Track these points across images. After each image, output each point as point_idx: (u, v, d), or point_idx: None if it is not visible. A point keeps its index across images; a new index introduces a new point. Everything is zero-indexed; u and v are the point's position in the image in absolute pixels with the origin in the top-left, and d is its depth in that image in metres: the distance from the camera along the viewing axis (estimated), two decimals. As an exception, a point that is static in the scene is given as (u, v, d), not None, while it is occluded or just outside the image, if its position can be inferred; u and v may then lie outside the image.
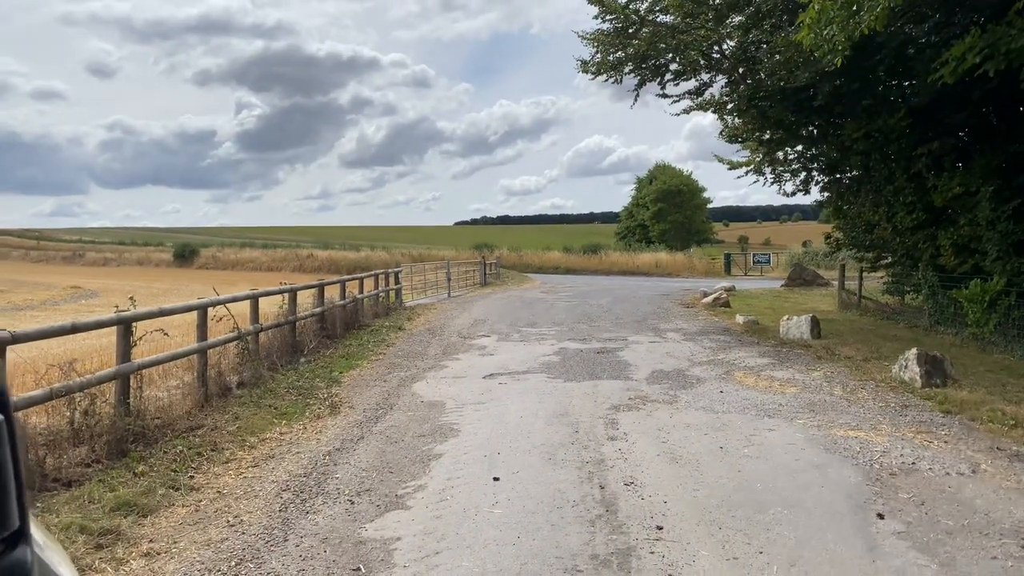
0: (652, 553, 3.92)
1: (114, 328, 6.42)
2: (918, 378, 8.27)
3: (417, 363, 10.66)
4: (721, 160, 18.62)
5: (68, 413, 5.66)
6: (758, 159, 17.38)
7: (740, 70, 14.53)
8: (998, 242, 11.55)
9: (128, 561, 3.98)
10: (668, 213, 60.61)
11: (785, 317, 13.30)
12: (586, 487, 5.02)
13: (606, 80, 15.31)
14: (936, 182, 12.88)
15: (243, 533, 4.37)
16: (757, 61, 14.01)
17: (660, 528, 4.26)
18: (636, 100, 16.20)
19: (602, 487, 5.01)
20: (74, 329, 5.93)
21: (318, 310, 12.50)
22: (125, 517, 4.52)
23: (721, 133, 17.28)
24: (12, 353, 5.29)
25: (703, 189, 65.06)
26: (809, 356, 10.68)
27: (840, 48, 9.17)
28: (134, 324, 6.54)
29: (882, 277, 17.37)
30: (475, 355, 11.34)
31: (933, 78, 10.02)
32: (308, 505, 4.83)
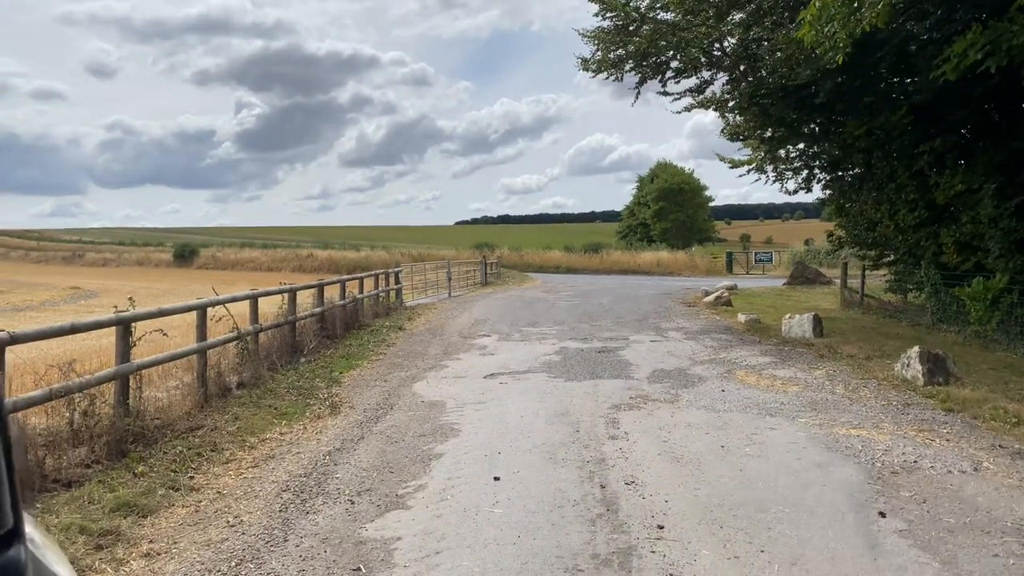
0: (653, 552, 3.91)
1: (113, 328, 6.41)
2: (920, 376, 8.25)
3: (417, 363, 10.65)
4: (723, 159, 18.59)
5: (67, 414, 5.65)
6: (760, 157, 17.34)
7: (741, 67, 14.49)
8: (1000, 240, 11.52)
9: (128, 562, 3.97)
10: (669, 212, 60.59)
11: (787, 316, 13.27)
12: (587, 486, 5.00)
13: (607, 78, 15.29)
14: (938, 179, 12.85)
15: (243, 533, 4.36)
16: (758, 58, 13.98)
17: (661, 527, 4.24)
18: (637, 98, 16.20)
19: (603, 486, 4.99)
20: (73, 330, 5.92)
21: (318, 310, 12.48)
22: (125, 518, 4.51)
23: (723, 131, 17.25)
24: (11, 354, 5.28)
25: (705, 187, 65.10)
26: (811, 355, 10.66)
27: (841, 45, 9.13)
28: (133, 324, 6.52)
29: (884, 275, 17.34)
30: (476, 355, 11.33)
31: (935, 75, 9.99)
32: (308, 505, 4.82)
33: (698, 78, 15.48)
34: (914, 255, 14.60)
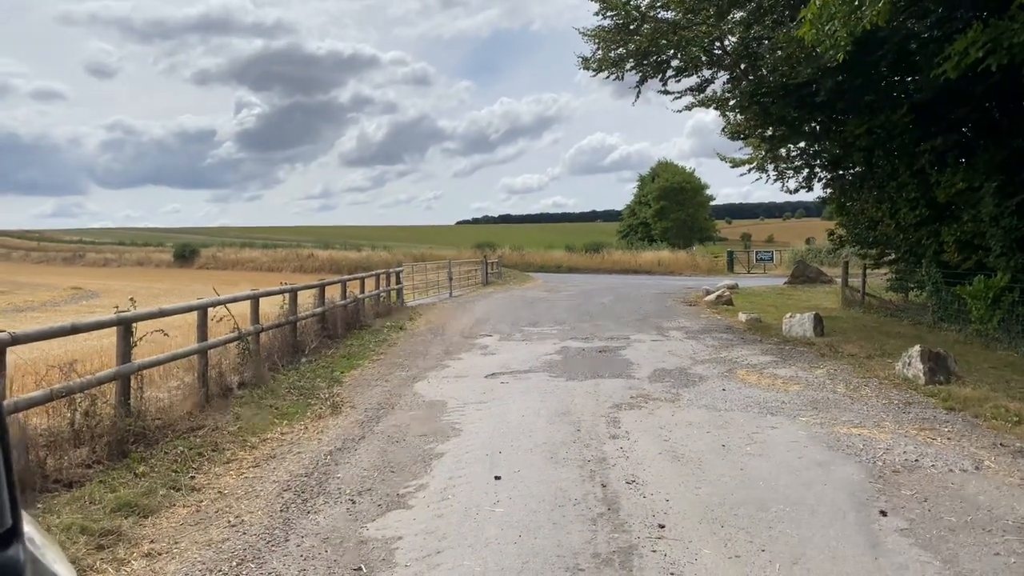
0: (654, 551, 3.91)
1: (114, 329, 6.41)
2: (921, 375, 8.25)
3: (419, 363, 10.65)
4: (723, 158, 18.57)
5: (69, 414, 5.65)
6: (760, 156, 17.33)
7: (742, 66, 14.48)
8: (1002, 238, 11.51)
9: (129, 561, 3.97)
10: (670, 211, 60.50)
11: (788, 315, 13.27)
12: (588, 486, 5.00)
13: (607, 77, 15.30)
14: (939, 178, 12.84)
15: (244, 533, 4.36)
16: (759, 57, 13.97)
17: (662, 526, 4.24)
18: (638, 97, 16.23)
19: (604, 485, 4.99)
20: (74, 330, 5.93)
21: (319, 310, 12.49)
22: (126, 518, 4.51)
23: (723, 130, 17.22)
24: (12, 354, 5.29)
25: (706, 186, 64.97)
26: (812, 354, 10.65)
27: (842, 43, 9.12)
28: (134, 325, 6.53)
29: (885, 274, 17.34)
30: (477, 354, 11.33)
31: (936, 73, 9.98)
32: (309, 505, 4.82)
33: (699, 77, 15.48)
34: (915, 254, 14.59)
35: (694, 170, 66.13)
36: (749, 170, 17.91)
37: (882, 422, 6.67)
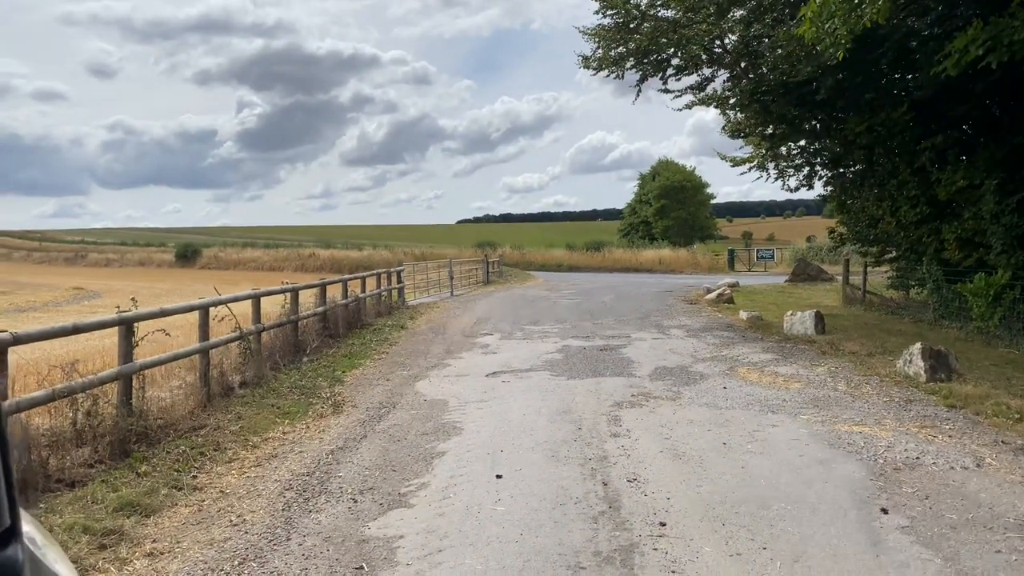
0: (655, 550, 3.91)
1: (116, 329, 6.42)
2: (922, 373, 8.24)
3: (420, 362, 10.66)
4: (724, 157, 18.54)
5: (71, 414, 5.67)
6: (761, 154, 17.32)
7: (742, 64, 14.48)
8: (1002, 235, 11.51)
9: (131, 561, 3.98)
10: (671, 209, 60.52)
11: (789, 313, 13.27)
12: (589, 484, 5.01)
13: (608, 76, 15.31)
14: (940, 176, 12.83)
15: (246, 532, 4.37)
16: (759, 55, 13.97)
17: (663, 524, 4.25)
18: (638, 96, 16.25)
19: (605, 484, 5.00)
20: (76, 330, 5.94)
21: (320, 309, 12.50)
22: (128, 517, 4.52)
23: (724, 128, 17.23)
24: (14, 354, 5.30)
25: (706, 185, 65.02)
26: (813, 352, 10.65)
27: (842, 41, 9.13)
28: (136, 324, 6.54)
29: (886, 272, 17.33)
30: (478, 353, 11.34)
31: (936, 71, 9.97)
32: (311, 504, 4.83)
33: (699, 75, 15.49)
34: (916, 251, 14.59)
35: (695, 169, 66.29)
36: (750, 168, 17.89)
37: (883, 420, 6.67)
